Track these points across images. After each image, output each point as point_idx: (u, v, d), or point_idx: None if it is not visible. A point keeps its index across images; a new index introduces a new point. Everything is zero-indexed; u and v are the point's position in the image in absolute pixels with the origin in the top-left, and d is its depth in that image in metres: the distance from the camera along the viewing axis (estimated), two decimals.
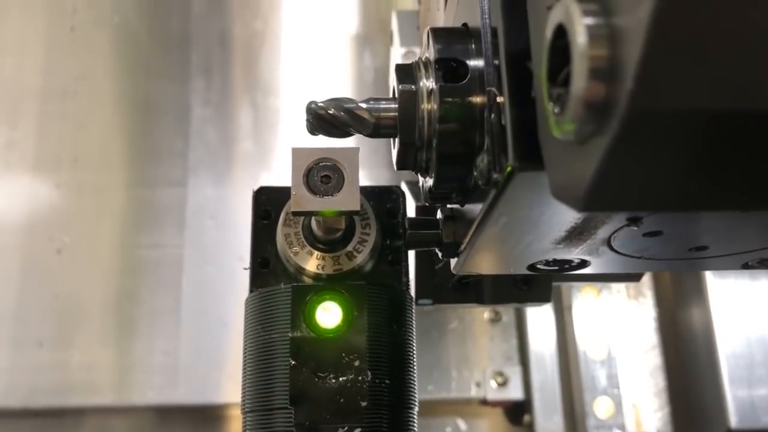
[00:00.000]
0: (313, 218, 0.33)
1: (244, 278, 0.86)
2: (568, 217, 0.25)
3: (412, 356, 0.35)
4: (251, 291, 0.35)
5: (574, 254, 0.31)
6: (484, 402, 0.87)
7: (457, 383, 0.86)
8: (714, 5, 0.13)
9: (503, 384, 0.86)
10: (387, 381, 0.32)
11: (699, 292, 0.85)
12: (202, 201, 0.90)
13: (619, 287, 0.90)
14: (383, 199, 0.35)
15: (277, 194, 0.36)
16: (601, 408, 0.83)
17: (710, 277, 0.84)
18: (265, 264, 0.35)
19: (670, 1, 0.13)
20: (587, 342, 0.86)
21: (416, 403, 0.35)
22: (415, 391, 0.35)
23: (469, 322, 0.89)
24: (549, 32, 0.17)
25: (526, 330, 0.88)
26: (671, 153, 0.16)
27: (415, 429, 0.34)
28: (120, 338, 0.84)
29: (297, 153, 0.30)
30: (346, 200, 0.28)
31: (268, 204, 0.36)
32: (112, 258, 0.87)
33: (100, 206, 0.89)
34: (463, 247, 0.31)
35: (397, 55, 0.63)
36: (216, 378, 0.83)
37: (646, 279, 0.92)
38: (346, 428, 0.30)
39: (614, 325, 0.88)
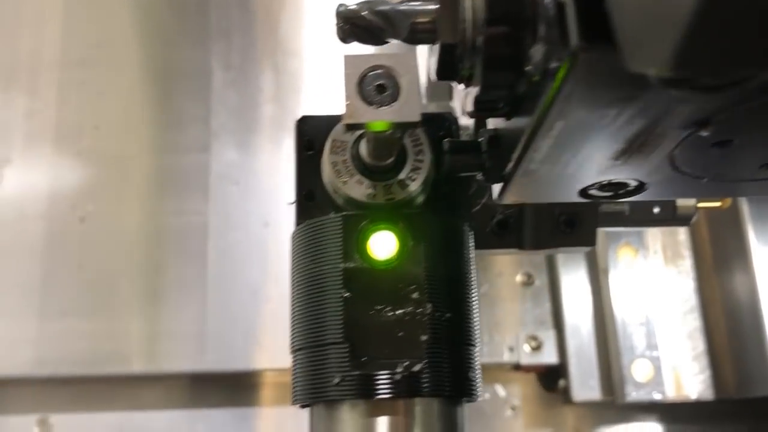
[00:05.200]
0: (362, 144, 0.31)
1: (269, 243, 0.85)
2: (632, 116, 0.22)
3: (472, 290, 0.32)
4: (297, 224, 0.32)
5: (632, 174, 0.29)
6: (518, 367, 0.85)
7: (489, 348, 0.84)
8: None
9: (537, 348, 0.84)
10: (448, 314, 0.29)
11: (742, 253, 0.82)
12: (225, 166, 0.88)
13: (656, 247, 0.87)
14: (435, 126, 0.33)
15: (320, 123, 0.34)
16: (639, 371, 0.80)
17: (753, 239, 0.81)
18: (311, 196, 0.33)
19: None
20: (624, 305, 0.84)
21: (479, 342, 0.33)
22: (478, 329, 0.32)
23: (501, 285, 0.87)
24: None
25: (560, 293, 0.86)
26: None
27: (479, 369, 0.32)
28: (146, 306, 0.83)
29: (349, 60, 0.27)
30: (404, 110, 0.25)
31: (311, 134, 0.34)
32: (137, 226, 0.86)
33: (122, 174, 0.88)
34: (508, 169, 0.28)
35: None
36: (244, 345, 0.82)
37: (684, 239, 0.89)
38: (406, 363, 0.28)
39: (651, 287, 0.85)
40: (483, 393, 0.85)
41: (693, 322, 0.86)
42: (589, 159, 0.26)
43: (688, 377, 0.83)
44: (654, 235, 0.87)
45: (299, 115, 0.90)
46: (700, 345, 0.85)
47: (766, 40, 0.15)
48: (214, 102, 0.90)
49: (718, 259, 0.87)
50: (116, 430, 0.82)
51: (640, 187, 0.30)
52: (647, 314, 0.84)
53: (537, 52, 0.22)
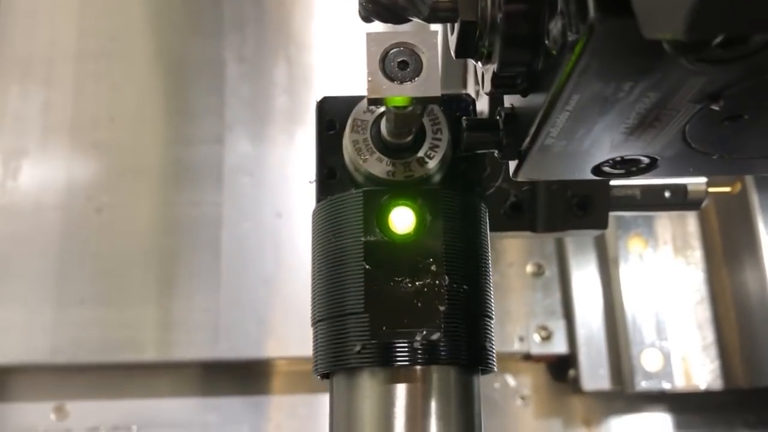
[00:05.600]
0: (382, 123, 0.32)
1: (282, 234, 0.86)
2: (645, 90, 0.23)
3: (488, 265, 0.33)
4: (318, 201, 0.34)
5: (645, 150, 0.29)
6: (528, 357, 0.86)
7: (499, 338, 0.84)
8: None
9: (547, 338, 0.85)
10: (465, 287, 0.31)
11: (752, 245, 0.82)
12: (238, 158, 0.89)
13: (666, 238, 0.88)
14: (453, 106, 0.34)
15: (341, 104, 0.35)
16: (649, 360, 0.81)
17: (763, 230, 0.82)
18: (332, 175, 0.34)
19: None
20: (634, 295, 0.84)
21: (494, 314, 0.34)
22: (492, 302, 0.34)
23: (511, 276, 0.88)
24: None
25: (570, 283, 0.86)
26: None
27: (494, 339, 0.33)
28: (161, 295, 0.84)
29: (371, 38, 0.28)
30: (426, 86, 0.26)
31: (332, 114, 0.35)
32: (151, 216, 0.87)
33: (137, 165, 0.89)
34: (525, 145, 0.29)
35: None
36: (256, 333, 0.83)
37: (693, 230, 0.89)
38: (424, 332, 0.29)
39: (661, 278, 0.86)
40: (493, 383, 0.87)
41: (703, 312, 0.86)
42: (603, 134, 0.27)
43: (697, 367, 0.84)
44: (664, 225, 0.88)
45: (311, 107, 0.92)
46: (709, 335, 0.85)
47: None
48: (228, 94, 0.91)
49: (727, 251, 0.88)
50: (130, 417, 0.83)
51: (653, 164, 0.31)
52: (657, 305, 0.84)
53: (555, 26, 0.22)
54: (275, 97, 0.92)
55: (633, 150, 0.29)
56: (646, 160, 0.30)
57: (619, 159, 0.30)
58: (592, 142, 0.28)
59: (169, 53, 0.94)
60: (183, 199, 0.88)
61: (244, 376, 0.85)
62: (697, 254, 0.88)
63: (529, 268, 0.88)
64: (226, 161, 0.89)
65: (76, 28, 0.94)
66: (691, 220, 0.90)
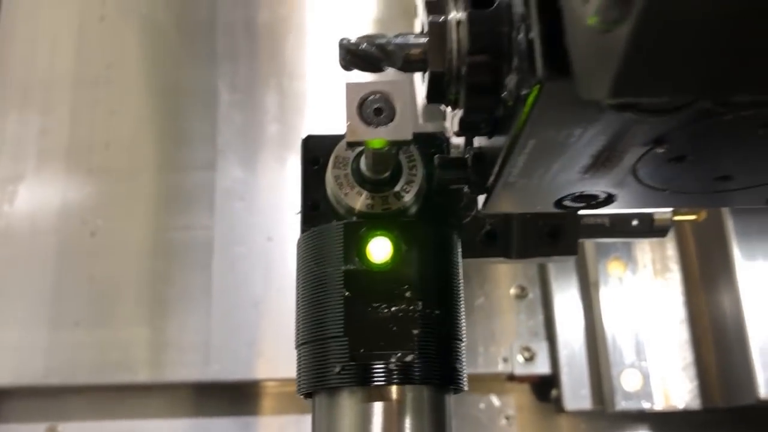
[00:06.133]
0: (362, 160, 0.35)
1: (273, 257, 0.88)
2: (594, 135, 0.26)
3: (459, 290, 0.36)
4: (303, 231, 0.36)
5: (601, 187, 0.32)
6: (512, 377, 0.88)
7: (484, 359, 0.87)
8: None
9: (530, 359, 0.87)
10: (437, 311, 0.33)
11: (726, 268, 0.85)
12: (230, 183, 0.92)
13: (645, 262, 0.90)
14: (428, 144, 0.37)
15: (324, 141, 0.38)
16: (628, 381, 0.83)
17: (738, 254, 0.84)
18: (316, 206, 0.37)
19: None
20: (614, 317, 0.87)
21: (465, 337, 0.36)
22: (464, 325, 0.36)
23: (496, 298, 0.90)
24: None
25: (553, 306, 0.89)
26: (695, 34, 0.17)
27: (464, 360, 0.35)
28: (153, 317, 0.86)
29: (350, 87, 0.31)
30: (399, 130, 0.29)
31: (316, 150, 0.38)
32: (145, 240, 0.89)
33: (131, 190, 0.91)
34: (490, 182, 0.32)
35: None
36: (247, 355, 0.85)
37: (672, 254, 0.92)
38: (399, 355, 0.32)
39: (641, 300, 0.89)
40: (478, 403, 0.89)
41: (681, 334, 0.89)
42: (560, 173, 0.30)
43: (676, 387, 0.86)
44: (643, 249, 0.91)
45: (302, 135, 0.94)
46: (688, 356, 0.88)
47: (690, 71, 0.19)
48: (221, 122, 0.94)
49: (704, 274, 0.91)
50: None
51: (609, 199, 0.33)
52: (636, 326, 0.87)
53: (511, 80, 0.25)
54: (267, 125, 0.95)
55: (590, 187, 0.32)
56: (603, 195, 0.33)
57: (578, 194, 0.33)
58: (551, 180, 0.31)
59: (163, 81, 0.97)
60: (176, 223, 0.90)
61: (235, 397, 0.87)
62: (675, 277, 0.91)
63: (513, 291, 0.90)
64: (218, 186, 0.92)
65: (73, 55, 0.97)
66: (669, 245, 0.92)
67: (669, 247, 0.92)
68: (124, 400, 0.86)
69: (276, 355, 0.85)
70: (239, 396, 0.87)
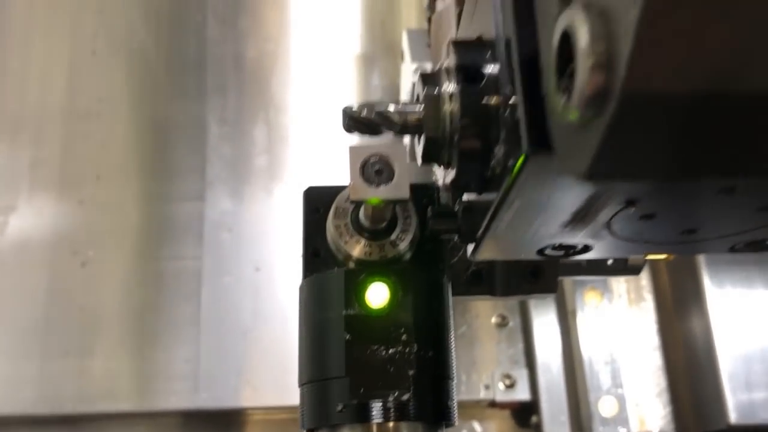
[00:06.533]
0: (361, 210, 0.38)
1: (260, 287, 0.90)
2: (572, 199, 0.29)
3: (450, 332, 0.39)
4: (305, 277, 0.39)
5: (578, 238, 0.35)
6: (493, 404, 0.90)
7: (466, 386, 0.89)
8: (687, 16, 0.17)
9: (511, 386, 0.90)
10: (430, 353, 0.36)
11: (697, 297, 0.89)
12: (219, 214, 0.94)
13: (620, 291, 0.94)
14: (421, 194, 0.40)
15: (324, 192, 0.40)
16: (605, 407, 0.86)
17: (708, 284, 0.88)
18: (317, 253, 0.39)
19: (653, 9, 0.17)
20: (591, 345, 0.90)
21: (455, 375, 0.39)
22: (454, 364, 0.39)
23: (477, 327, 0.93)
24: (557, 36, 0.21)
25: (532, 334, 0.92)
26: (659, 129, 0.20)
27: (454, 397, 0.38)
28: (143, 347, 0.88)
29: (353, 150, 0.34)
30: (397, 189, 0.33)
31: (317, 201, 0.40)
32: (135, 270, 0.91)
33: (122, 221, 0.93)
34: (479, 233, 0.35)
35: (409, 70, 0.67)
36: (236, 384, 0.87)
37: (646, 283, 0.96)
38: (396, 394, 0.34)
39: (617, 328, 0.92)
40: (461, 429, 0.91)
41: (655, 360, 0.92)
42: (541, 227, 0.33)
43: (650, 413, 0.89)
44: (618, 279, 0.94)
45: (289, 166, 0.97)
46: (662, 382, 0.91)
47: (659, 159, 0.22)
48: (210, 154, 0.97)
49: (677, 302, 0.94)
50: None
51: (586, 248, 0.37)
52: (612, 354, 0.90)
53: (499, 151, 0.28)
54: (255, 157, 0.97)
55: (569, 239, 0.35)
56: (580, 245, 0.36)
57: (557, 245, 0.36)
58: (534, 233, 0.34)
59: (153, 114, 0.99)
60: (165, 254, 0.92)
61: (223, 425, 0.89)
62: (649, 306, 0.95)
63: (494, 320, 0.93)
64: (207, 217, 0.94)
65: (65, 88, 0.99)
66: (644, 275, 0.96)
67: (643, 277, 0.96)
68: (113, 429, 0.87)
69: (264, 383, 0.87)
70: (227, 424, 0.89)
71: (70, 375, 0.85)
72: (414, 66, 0.67)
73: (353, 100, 1.04)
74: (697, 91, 0.19)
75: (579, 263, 0.52)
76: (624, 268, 0.53)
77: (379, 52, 1.04)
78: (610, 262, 0.53)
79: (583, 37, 0.19)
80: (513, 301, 0.94)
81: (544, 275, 0.49)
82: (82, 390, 0.85)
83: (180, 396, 0.86)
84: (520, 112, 0.26)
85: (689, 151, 0.21)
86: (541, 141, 0.26)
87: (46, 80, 0.99)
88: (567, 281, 0.92)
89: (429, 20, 0.58)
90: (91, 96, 0.99)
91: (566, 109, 0.22)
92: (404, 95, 0.82)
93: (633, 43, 0.17)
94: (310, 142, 0.99)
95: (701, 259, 0.89)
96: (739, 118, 0.20)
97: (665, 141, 0.21)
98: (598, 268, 0.52)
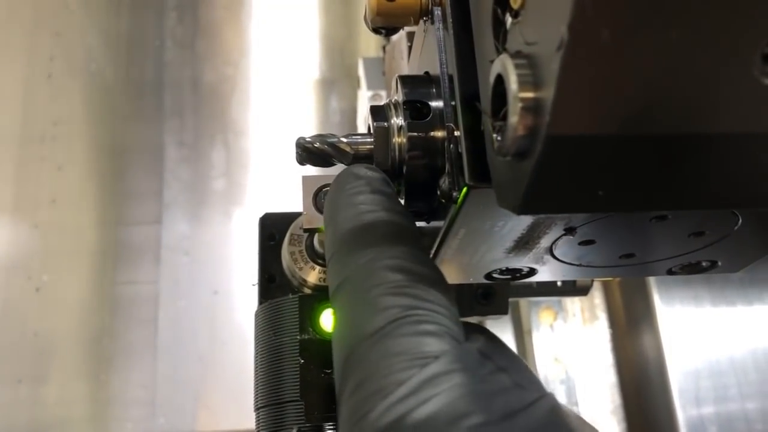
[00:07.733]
0: (315, 237, 0.38)
1: (218, 311, 0.90)
2: (514, 227, 0.31)
3: None
4: (260, 303, 0.39)
5: (523, 263, 0.37)
6: None
7: None
8: (603, 66, 0.19)
9: None
10: None
11: (648, 316, 0.91)
12: (176, 237, 0.94)
13: (574, 311, 0.96)
14: None
15: (280, 219, 0.41)
16: None
17: (658, 302, 0.91)
18: (272, 279, 0.40)
19: (573, 60, 0.19)
20: (546, 363, 0.92)
21: None
22: None
23: None
24: (491, 80, 0.23)
25: None
26: (582, 167, 0.22)
27: None
28: (98, 373, 0.87)
29: (306, 180, 0.35)
30: None
31: (272, 227, 0.41)
32: (90, 295, 0.90)
33: (77, 245, 0.92)
34: (430, 257, 0.36)
35: (365, 96, 0.69)
36: (192, 408, 0.86)
37: (599, 302, 0.98)
38: None
39: (571, 347, 0.94)
40: None
41: (609, 377, 0.95)
42: (487, 253, 0.34)
43: (605, 430, 0.91)
44: (572, 299, 0.97)
45: (248, 189, 0.97)
46: (616, 399, 0.94)
47: (586, 195, 0.23)
48: (167, 177, 0.96)
49: (629, 321, 0.97)
50: None
51: (532, 272, 0.38)
52: (567, 371, 0.92)
53: (444, 183, 0.30)
54: (213, 180, 0.98)
55: (514, 263, 0.36)
56: (526, 269, 0.38)
57: (504, 269, 0.37)
58: (480, 258, 0.35)
59: (110, 137, 0.99)
60: (121, 278, 0.91)
61: None
62: (603, 324, 0.97)
63: None
64: (163, 241, 0.93)
65: (20, 112, 0.98)
66: (597, 293, 0.99)
67: (597, 295, 0.99)
68: None
69: (221, 407, 0.87)
70: None
71: (23, 403, 0.84)
72: (370, 93, 0.68)
73: (312, 124, 1.06)
74: (613, 134, 0.20)
75: (530, 284, 0.54)
76: (573, 289, 0.55)
77: (338, 77, 1.06)
78: (559, 283, 0.55)
79: (513, 83, 0.21)
80: (471, 321, 0.96)
81: (495, 297, 0.50)
82: (35, 419, 0.83)
83: (137, 422, 0.85)
84: (462, 147, 0.28)
85: (612, 186, 0.23)
86: (482, 174, 0.27)
87: (1, 103, 0.98)
88: (523, 301, 0.94)
89: (384, 49, 0.60)
90: (47, 119, 0.98)
91: (500, 147, 0.23)
92: (361, 119, 0.83)
93: (556, 90, 0.19)
94: (269, 166, 1.00)
95: (652, 279, 0.92)
96: (653, 157, 0.21)
97: (589, 177, 0.22)
98: (548, 289, 0.54)
